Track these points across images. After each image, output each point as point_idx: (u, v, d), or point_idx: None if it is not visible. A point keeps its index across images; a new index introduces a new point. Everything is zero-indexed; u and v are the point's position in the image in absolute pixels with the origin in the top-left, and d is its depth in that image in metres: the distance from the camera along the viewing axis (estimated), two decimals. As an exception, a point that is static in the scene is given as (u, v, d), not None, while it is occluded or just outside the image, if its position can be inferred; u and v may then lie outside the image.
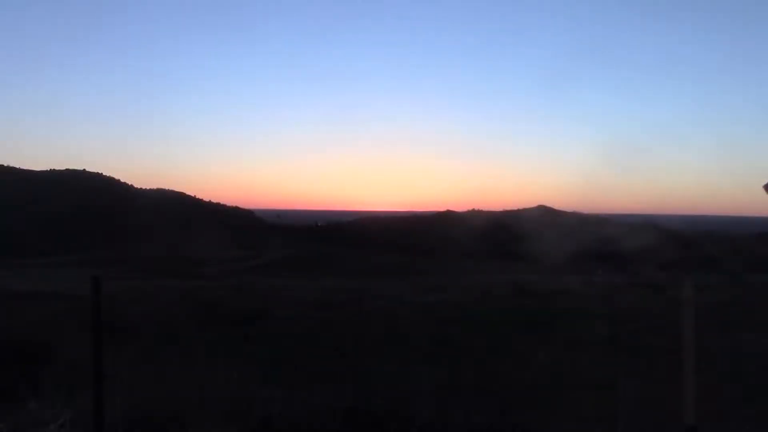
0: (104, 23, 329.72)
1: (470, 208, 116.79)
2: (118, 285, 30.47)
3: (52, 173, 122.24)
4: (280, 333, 14.77)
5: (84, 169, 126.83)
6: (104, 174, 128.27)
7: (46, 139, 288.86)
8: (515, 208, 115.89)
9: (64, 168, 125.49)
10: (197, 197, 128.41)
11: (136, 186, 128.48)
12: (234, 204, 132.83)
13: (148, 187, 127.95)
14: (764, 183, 4.84)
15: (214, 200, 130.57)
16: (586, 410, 6.31)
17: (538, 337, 13.30)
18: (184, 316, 16.19)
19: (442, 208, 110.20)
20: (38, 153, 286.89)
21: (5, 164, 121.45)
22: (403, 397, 6.59)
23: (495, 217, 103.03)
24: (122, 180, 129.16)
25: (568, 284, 31.51)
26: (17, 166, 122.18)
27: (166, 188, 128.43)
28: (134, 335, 10.79)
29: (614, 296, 23.21)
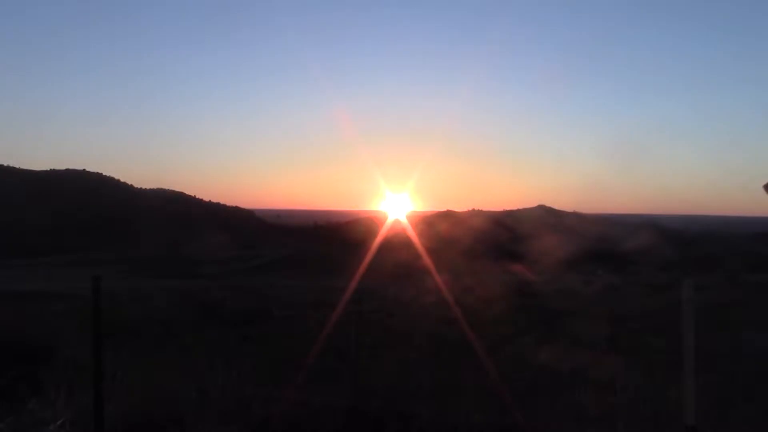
0: (105, 24, 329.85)
1: (470, 208, 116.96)
2: (118, 285, 30.47)
3: (52, 173, 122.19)
4: (280, 333, 14.77)
5: (84, 169, 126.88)
6: (104, 174, 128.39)
7: (46, 139, 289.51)
8: (515, 208, 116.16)
9: (64, 168, 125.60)
10: (197, 197, 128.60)
11: (136, 186, 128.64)
12: (234, 204, 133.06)
13: (148, 187, 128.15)
14: (764, 183, 4.84)
15: (214, 200, 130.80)
16: (586, 410, 6.30)
17: (538, 337, 13.29)
18: (184, 316, 16.18)
19: (442, 208, 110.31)
20: (38, 153, 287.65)
21: (5, 164, 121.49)
22: (403, 397, 6.58)
23: (495, 217, 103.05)
24: (122, 180, 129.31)
25: (568, 284, 31.49)
26: (17, 166, 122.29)
27: (166, 188, 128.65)
28: (134, 335, 10.78)
29: (614, 296, 23.19)
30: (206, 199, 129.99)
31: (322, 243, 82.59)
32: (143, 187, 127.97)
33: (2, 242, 75.57)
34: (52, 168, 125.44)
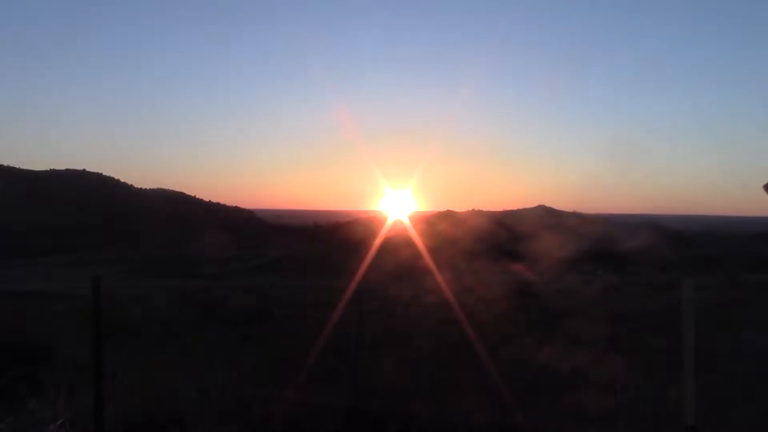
0: (104, 24, 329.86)
1: (470, 208, 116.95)
2: (118, 285, 30.47)
3: (52, 173, 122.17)
4: (280, 333, 14.78)
5: (84, 169, 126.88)
6: (104, 174, 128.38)
7: (46, 139, 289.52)
8: (515, 208, 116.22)
9: (64, 168, 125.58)
10: (197, 197, 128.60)
11: (136, 186, 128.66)
12: (234, 204, 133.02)
13: (148, 187, 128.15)
14: (764, 183, 4.84)
15: (214, 200, 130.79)
16: (586, 410, 6.30)
17: (538, 337, 13.28)
18: (184, 316, 16.18)
19: (443, 208, 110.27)
20: (38, 153, 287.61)
21: (5, 164, 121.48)
22: (403, 397, 6.58)
23: (495, 217, 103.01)
24: (122, 180, 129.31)
25: (568, 284, 31.48)
26: (17, 166, 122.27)
27: (166, 188, 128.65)
28: (134, 335, 10.78)
29: (614, 296, 23.20)
30: (206, 199, 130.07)
31: (322, 243, 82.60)
32: (143, 187, 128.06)
33: (2, 242, 75.57)
34: (52, 168, 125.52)
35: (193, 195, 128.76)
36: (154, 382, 6.16)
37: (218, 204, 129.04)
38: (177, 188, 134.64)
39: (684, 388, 4.11)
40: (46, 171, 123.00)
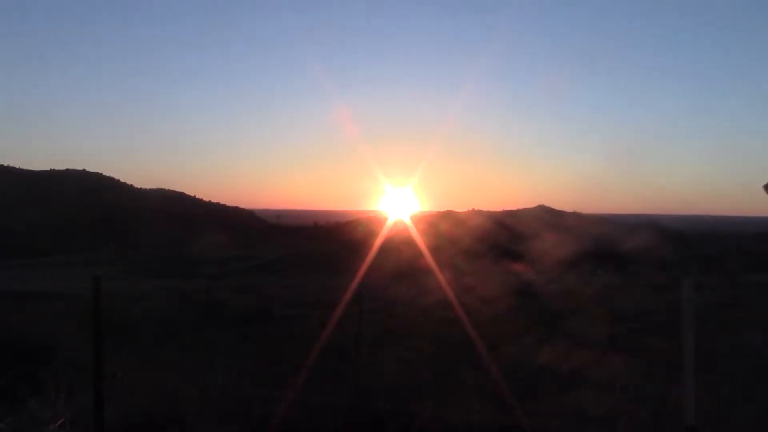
0: (105, 24, 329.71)
1: (470, 208, 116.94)
2: (118, 285, 30.45)
3: (52, 173, 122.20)
4: (280, 333, 14.78)
5: (84, 169, 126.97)
6: (104, 174, 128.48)
7: (46, 139, 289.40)
8: (515, 208, 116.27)
9: (64, 168, 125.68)
10: (197, 197, 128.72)
11: (136, 186, 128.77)
12: (234, 204, 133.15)
13: (148, 187, 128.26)
14: (764, 183, 4.84)
15: (214, 200, 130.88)
16: (586, 410, 6.30)
17: (538, 337, 13.28)
18: (183, 316, 16.17)
19: (443, 208, 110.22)
20: (38, 153, 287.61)
21: (5, 164, 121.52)
22: (403, 397, 6.58)
23: (495, 217, 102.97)
24: (122, 180, 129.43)
25: (568, 284, 31.43)
26: (17, 166, 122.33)
27: (166, 188, 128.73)
28: (134, 335, 10.78)
29: (614, 296, 23.19)
30: (206, 199, 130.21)
31: (322, 243, 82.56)
32: (143, 187, 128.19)
33: (2, 242, 75.54)
34: (52, 168, 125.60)
35: (193, 195, 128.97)
36: (154, 382, 6.16)
37: (218, 204, 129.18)
38: (177, 188, 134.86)
39: (684, 388, 4.11)
40: (46, 171, 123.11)
